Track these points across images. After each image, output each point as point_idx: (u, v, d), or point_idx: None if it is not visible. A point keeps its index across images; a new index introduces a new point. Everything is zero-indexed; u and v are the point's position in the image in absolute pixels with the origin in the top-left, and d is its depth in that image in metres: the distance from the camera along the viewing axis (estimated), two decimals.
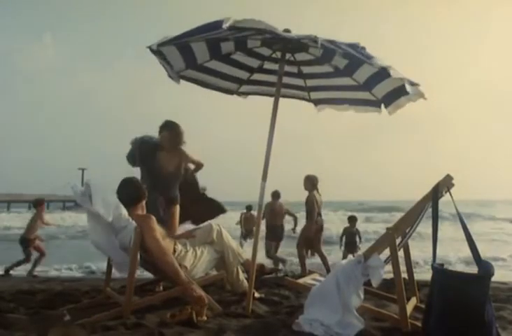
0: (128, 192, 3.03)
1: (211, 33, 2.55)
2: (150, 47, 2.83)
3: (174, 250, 3.11)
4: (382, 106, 3.39)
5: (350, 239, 6.64)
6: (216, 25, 2.43)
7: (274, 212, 6.82)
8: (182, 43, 2.84)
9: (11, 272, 5.91)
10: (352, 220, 6.82)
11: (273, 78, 3.48)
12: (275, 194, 6.87)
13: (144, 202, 3.12)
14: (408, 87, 2.71)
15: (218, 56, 3.35)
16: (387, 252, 2.53)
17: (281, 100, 3.19)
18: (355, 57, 2.57)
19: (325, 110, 3.78)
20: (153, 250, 2.79)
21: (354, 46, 2.54)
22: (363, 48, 2.54)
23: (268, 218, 6.74)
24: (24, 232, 6.12)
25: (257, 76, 3.64)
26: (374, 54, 2.62)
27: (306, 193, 5.81)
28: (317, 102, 3.80)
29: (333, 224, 11.97)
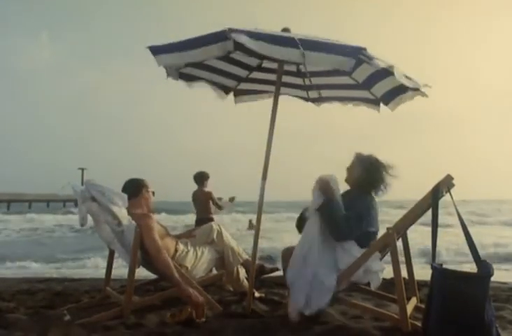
0: (126, 187, 3.14)
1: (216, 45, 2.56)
2: (150, 49, 2.83)
3: (176, 250, 3.11)
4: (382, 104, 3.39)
5: None
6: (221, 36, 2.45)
7: None
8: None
9: (11, 272, 5.91)
10: None
11: (271, 77, 3.48)
12: None
13: (144, 197, 3.15)
14: (409, 84, 2.71)
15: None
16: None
17: (281, 99, 3.19)
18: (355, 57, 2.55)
19: (327, 110, 3.79)
20: (149, 249, 2.80)
21: (356, 48, 2.53)
22: (364, 49, 2.54)
23: None
24: None
25: (255, 75, 3.63)
26: (377, 54, 2.61)
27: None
28: (315, 101, 3.80)
29: None
